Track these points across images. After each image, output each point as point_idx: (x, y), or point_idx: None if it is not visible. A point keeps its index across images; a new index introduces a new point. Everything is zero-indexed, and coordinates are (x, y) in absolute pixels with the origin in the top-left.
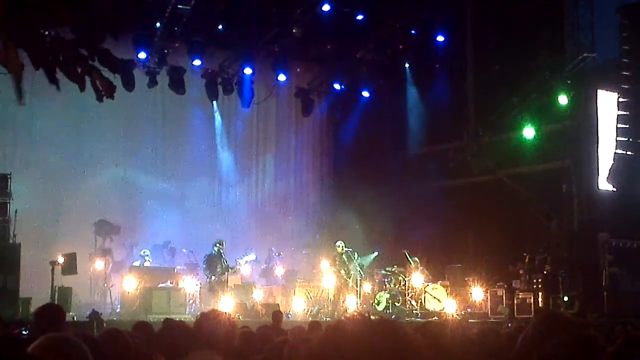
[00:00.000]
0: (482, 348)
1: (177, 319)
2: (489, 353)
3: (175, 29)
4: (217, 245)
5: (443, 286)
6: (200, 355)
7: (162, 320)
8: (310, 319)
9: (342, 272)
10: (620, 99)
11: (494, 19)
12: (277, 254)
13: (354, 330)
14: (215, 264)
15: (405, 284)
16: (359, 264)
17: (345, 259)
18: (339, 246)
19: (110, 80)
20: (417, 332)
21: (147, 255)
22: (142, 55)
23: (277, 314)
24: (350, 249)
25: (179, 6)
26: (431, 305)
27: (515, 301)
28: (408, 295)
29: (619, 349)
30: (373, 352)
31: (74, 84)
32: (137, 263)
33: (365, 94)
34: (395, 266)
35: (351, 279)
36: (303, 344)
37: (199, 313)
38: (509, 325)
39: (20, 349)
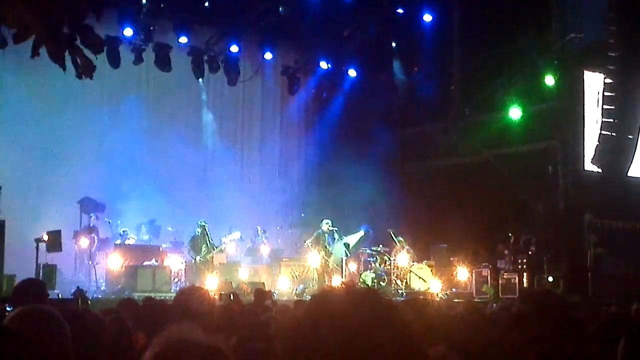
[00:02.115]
0: (466, 325)
1: (160, 297)
2: (472, 330)
3: (161, 5)
4: (201, 226)
5: (428, 266)
6: (179, 327)
7: (143, 298)
8: (295, 297)
9: (322, 252)
10: (607, 80)
11: None
12: (262, 232)
13: (340, 299)
14: (199, 245)
15: (390, 263)
16: (344, 244)
17: (329, 239)
18: (326, 224)
19: (91, 60)
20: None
21: (132, 233)
22: (128, 31)
23: (259, 292)
24: (336, 229)
25: None
26: (416, 284)
27: (500, 281)
28: (393, 274)
29: (601, 327)
30: (359, 320)
31: (61, 67)
32: (118, 242)
33: (352, 72)
34: (380, 246)
35: (331, 259)
36: (289, 317)
37: (179, 290)
38: (493, 305)
39: None
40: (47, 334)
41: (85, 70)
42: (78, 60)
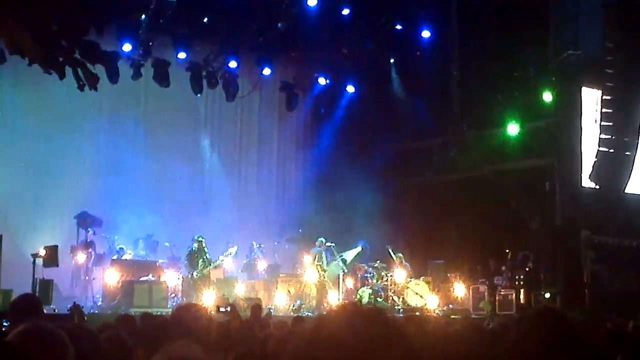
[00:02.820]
0: (465, 342)
1: (157, 313)
2: (471, 347)
3: (161, 21)
4: (197, 241)
5: (425, 282)
6: (178, 345)
7: (140, 313)
8: (292, 313)
9: (319, 269)
10: (604, 97)
11: (479, 16)
12: (258, 246)
13: (344, 319)
14: (196, 260)
15: (387, 279)
16: (341, 259)
17: (327, 254)
18: (320, 242)
19: (95, 73)
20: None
21: (129, 248)
22: (127, 47)
23: (255, 308)
24: (333, 244)
25: None
26: (413, 301)
27: (497, 297)
28: (390, 290)
29: (600, 343)
30: (363, 340)
31: (58, 75)
32: (115, 257)
33: (350, 88)
34: (378, 261)
35: (327, 278)
36: (293, 336)
37: (176, 306)
38: (489, 324)
39: None
40: (49, 352)
41: (90, 82)
42: (80, 72)
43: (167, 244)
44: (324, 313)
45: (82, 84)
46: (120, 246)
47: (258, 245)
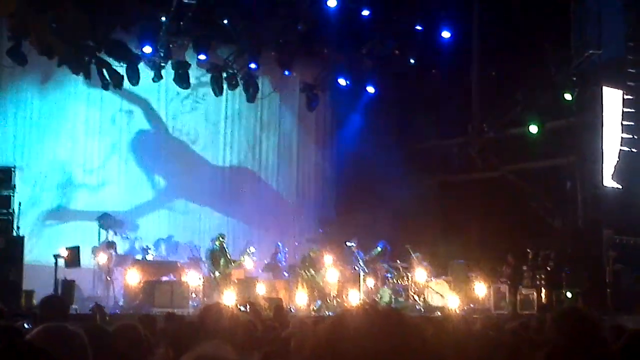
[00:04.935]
0: (486, 342)
1: (179, 313)
2: (492, 347)
3: (181, 23)
4: (219, 239)
5: (446, 281)
6: (210, 346)
7: (164, 314)
8: (313, 313)
9: (306, 274)
10: (626, 96)
11: (500, 15)
12: (282, 249)
13: (361, 319)
14: (218, 259)
15: (408, 279)
16: (361, 259)
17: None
18: (311, 251)
19: (120, 73)
20: None
21: (150, 248)
22: (147, 49)
23: (278, 309)
24: (354, 244)
25: (185, 0)
26: (434, 300)
27: (518, 297)
28: (411, 290)
29: (622, 344)
30: (380, 341)
31: (81, 77)
32: (139, 257)
33: (370, 89)
34: (398, 261)
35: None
36: (310, 335)
37: (202, 307)
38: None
39: (20, 338)
40: (68, 352)
41: (115, 81)
42: (105, 72)
43: (187, 244)
44: (340, 313)
45: (106, 83)
46: (146, 244)
47: (283, 248)
